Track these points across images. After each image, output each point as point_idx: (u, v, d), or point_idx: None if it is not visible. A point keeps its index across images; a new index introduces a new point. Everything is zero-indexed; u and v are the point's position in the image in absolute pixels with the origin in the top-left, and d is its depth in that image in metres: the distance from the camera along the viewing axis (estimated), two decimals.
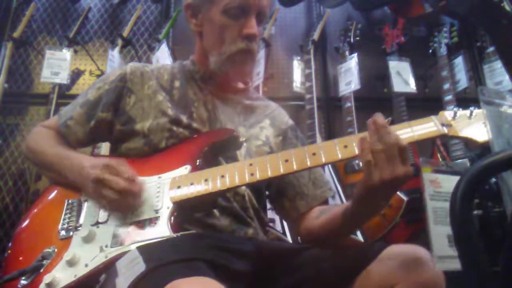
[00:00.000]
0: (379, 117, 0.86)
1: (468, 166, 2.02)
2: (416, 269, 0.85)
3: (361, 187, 0.87)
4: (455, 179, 0.78)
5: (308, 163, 0.93)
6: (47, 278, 0.89)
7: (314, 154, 0.93)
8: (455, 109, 0.94)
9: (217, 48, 1.13)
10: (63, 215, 1.04)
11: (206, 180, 0.96)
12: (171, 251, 0.81)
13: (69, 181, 1.07)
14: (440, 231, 0.77)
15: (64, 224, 1.02)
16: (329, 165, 2.35)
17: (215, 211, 1.04)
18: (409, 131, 0.91)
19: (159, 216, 0.94)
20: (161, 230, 0.91)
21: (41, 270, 0.93)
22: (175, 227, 0.92)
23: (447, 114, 0.94)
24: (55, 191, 1.14)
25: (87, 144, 1.26)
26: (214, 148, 1.07)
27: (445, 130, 0.91)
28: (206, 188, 0.95)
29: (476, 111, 0.92)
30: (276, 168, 0.94)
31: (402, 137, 0.87)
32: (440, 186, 0.80)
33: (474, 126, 0.91)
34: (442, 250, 0.76)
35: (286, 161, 0.94)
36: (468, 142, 0.93)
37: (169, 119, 1.12)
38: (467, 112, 0.93)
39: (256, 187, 1.14)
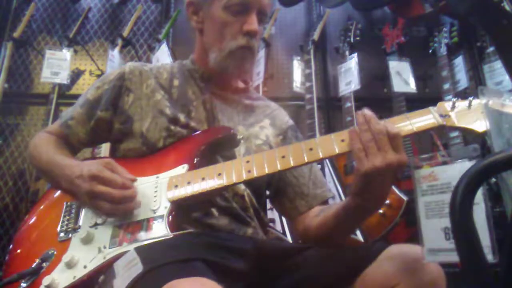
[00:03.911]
0: (367, 110, 0.87)
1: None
2: (416, 269, 0.85)
3: (356, 178, 0.87)
4: (453, 167, 0.77)
5: (305, 158, 0.91)
6: (46, 280, 0.88)
7: (311, 149, 0.91)
8: (454, 99, 0.91)
9: (217, 44, 1.13)
10: (62, 217, 1.04)
11: (203, 178, 0.96)
12: (169, 252, 0.80)
13: (63, 188, 1.06)
14: (434, 224, 0.77)
15: (63, 227, 1.02)
16: (329, 166, 2.34)
17: (214, 211, 1.03)
18: (408, 124, 0.89)
19: (157, 216, 0.94)
20: (159, 230, 0.91)
21: (40, 273, 0.93)
22: (173, 226, 0.92)
23: (446, 104, 0.92)
24: (55, 194, 1.14)
25: (89, 144, 1.26)
26: (211, 146, 1.07)
27: (443, 121, 0.89)
28: (203, 186, 0.95)
29: (475, 101, 0.89)
30: (273, 164, 0.92)
31: (400, 129, 0.86)
32: (437, 179, 0.79)
33: (473, 117, 0.88)
34: (435, 243, 0.76)
35: (283, 157, 0.92)
36: (467, 133, 0.91)
37: (167, 118, 1.11)
38: (466, 102, 0.90)
39: (256, 187, 1.13)
